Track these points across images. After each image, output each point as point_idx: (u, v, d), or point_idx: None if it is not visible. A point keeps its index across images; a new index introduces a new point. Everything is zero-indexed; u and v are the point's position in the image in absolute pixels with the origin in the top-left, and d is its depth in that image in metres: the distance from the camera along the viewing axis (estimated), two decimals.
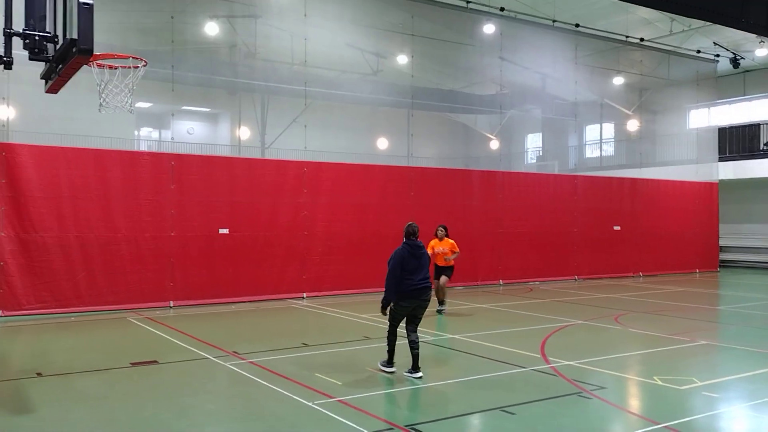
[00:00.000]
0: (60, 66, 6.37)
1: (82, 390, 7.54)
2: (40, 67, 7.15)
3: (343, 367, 8.57)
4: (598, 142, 28.45)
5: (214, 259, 14.55)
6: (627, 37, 22.59)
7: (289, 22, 18.37)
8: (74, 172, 13.16)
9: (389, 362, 8.11)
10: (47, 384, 7.77)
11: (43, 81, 7.28)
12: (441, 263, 13.22)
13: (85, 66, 6.82)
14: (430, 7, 19.59)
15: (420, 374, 7.86)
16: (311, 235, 15.78)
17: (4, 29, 6.65)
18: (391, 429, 6.15)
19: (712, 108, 26.20)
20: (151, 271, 13.82)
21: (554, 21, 21.14)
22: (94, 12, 5.56)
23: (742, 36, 22.25)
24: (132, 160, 14.05)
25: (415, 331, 8.04)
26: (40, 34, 6.46)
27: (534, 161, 29.88)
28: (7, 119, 14.50)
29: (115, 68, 9.29)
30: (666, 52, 23.83)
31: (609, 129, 27.94)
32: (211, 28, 19.52)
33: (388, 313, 7.99)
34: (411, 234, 8.18)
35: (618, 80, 24.74)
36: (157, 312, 13.40)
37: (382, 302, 7.90)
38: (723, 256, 25.11)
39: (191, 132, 24.88)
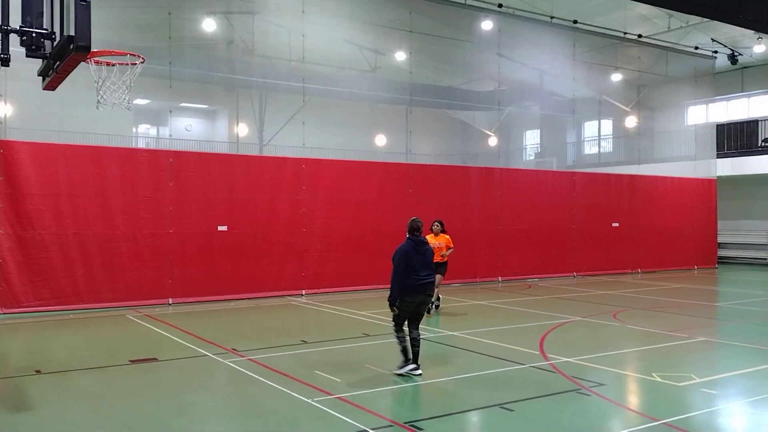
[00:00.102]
0: (57, 63, 6.36)
1: (81, 387, 7.54)
2: (37, 63, 7.13)
3: (342, 364, 8.57)
4: (596, 139, 28.46)
5: (212, 256, 14.54)
6: (625, 33, 22.58)
7: (287, 18, 18.32)
8: (72, 169, 13.15)
9: (406, 360, 7.89)
10: (46, 381, 7.76)
11: (41, 78, 7.27)
12: (437, 259, 13.17)
13: (82, 63, 6.80)
14: (428, 3, 19.56)
15: (419, 371, 7.86)
16: (310, 232, 15.77)
17: (1, 26, 6.62)
18: (391, 426, 6.15)
19: (710, 104, 26.20)
20: (149, 269, 13.81)
21: (552, 17, 21.12)
22: (91, 9, 5.54)
23: (740, 32, 22.25)
24: (130, 157, 14.04)
25: (418, 329, 8.02)
26: (38, 30, 6.44)
27: (532, 158, 29.89)
28: (5, 116, 14.47)
29: (113, 65, 9.25)
30: (664, 48, 23.82)
31: (607, 125, 27.95)
32: (209, 25, 19.47)
33: (396, 309, 7.87)
34: (415, 229, 8.12)
35: (616, 77, 24.72)
36: (156, 309, 13.39)
37: (389, 299, 7.84)
38: (721, 253, 25.15)
39: (189, 129, 24.83)
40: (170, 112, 18.27)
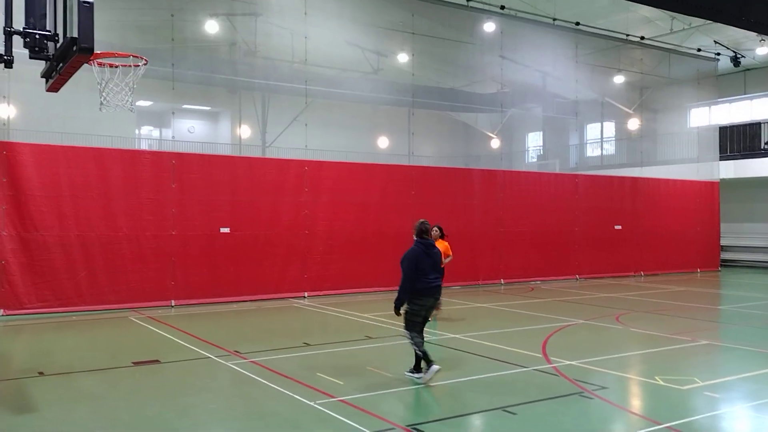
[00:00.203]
0: (60, 65, 6.35)
1: (83, 389, 7.53)
2: (40, 65, 7.13)
3: (345, 366, 8.56)
4: (599, 141, 28.44)
5: (215, 258, 14.55)
6: (627, 35, 22.56)
7: (290, 20, 18.35)
8: (75, 171, 13.16)
9: (429, 362, 7.68)
10: (49, 383, 7.76)
11: (44, 79, 7.26)
12: None
13: (85, 64, 6.80)
14: (430, 5, 19.56)
15: (420, 375, 7.83)
16: (312, 234, 15.77)
17: (4, 28, 6.64)
18: (393, 429, 6.14)
19: (712, 107, 26.15)
20: (152, 270, 13.82)
21: (554, 19, 21.11)
22: (95, 10, 5.54)
23: (742, 34, 22.23)
24: (133, 158, 14.05)
25: (422, 332, 8.00)
26: (41, 32, 6.44)
27: (535, 160, 29.87)
28: (8, 118, 14.48)
29: (116, 67, 9.27)
30: (666, 50, 23.79)
31: (610, 128, 27.94)
32: (211, 26, 19.51)
33: (402, 314, 7.79)
34: (423, 232, 8.05)
35: (618, 79, 24.71)
36: (159, 311, 13.39)
37: (395, 303, 7.76)
38: (724, 256, 25.08)
39: (192, 130, 24.89)
40: (173, 113, 18.32)
